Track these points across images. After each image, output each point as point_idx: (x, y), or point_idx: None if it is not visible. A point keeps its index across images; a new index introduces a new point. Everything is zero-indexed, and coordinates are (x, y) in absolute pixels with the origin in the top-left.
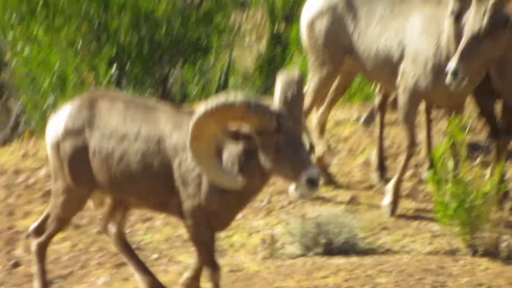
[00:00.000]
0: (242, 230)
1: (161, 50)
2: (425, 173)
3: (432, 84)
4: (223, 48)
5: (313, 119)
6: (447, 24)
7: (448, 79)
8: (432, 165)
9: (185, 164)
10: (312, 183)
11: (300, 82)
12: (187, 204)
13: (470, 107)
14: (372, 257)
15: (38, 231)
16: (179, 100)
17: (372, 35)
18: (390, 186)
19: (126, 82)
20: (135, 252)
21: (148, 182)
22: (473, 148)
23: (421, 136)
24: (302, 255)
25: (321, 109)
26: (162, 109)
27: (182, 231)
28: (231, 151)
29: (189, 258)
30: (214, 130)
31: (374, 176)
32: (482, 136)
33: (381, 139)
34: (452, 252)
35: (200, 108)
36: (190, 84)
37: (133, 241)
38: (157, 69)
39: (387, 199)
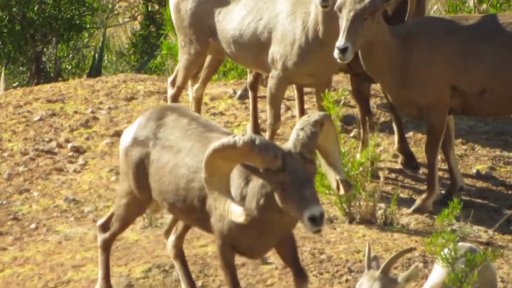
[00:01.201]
0: None
1: (33, 29)
2: None
3: (298, 64)
4: (97, 27)
5: (189, 95)
6: (313, 7)
7: (337, 55)
8: None
9: None
10: (314, 221)
11: (316, 123)
12: (215, 226)
13: (345, 82)
14: None
15: (104, 227)
16: (53, 76)
17: (236, 19)
18: None
19: None
20: (187, 266)
21: (189, 197)
22: (348, 121)
23: (295, 110)
24: None
25: (196, 85)
26: (218, 131)
27: (60, 201)
28: (254, 184)
29: (67, 227)
30: (225, 167)
31: None
32: (356, 109)
33: (255, 115)
34: (330, 220)
35: (209, 147)
36: (64, 61)
37: (10, 212)
38: (29, 47)
39: None
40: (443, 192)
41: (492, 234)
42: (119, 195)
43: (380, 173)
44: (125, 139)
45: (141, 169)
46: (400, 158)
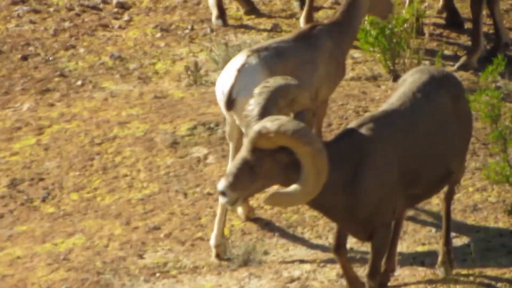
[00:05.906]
0: (166, 58)
1: None
2: None
3: None
4: None
5: None
6: None
7: None
8: None
9: None
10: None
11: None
12: None
13: None
14: None
15: None
16: None
17: None
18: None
19: None
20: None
21: None
22: None
23: None
24: None
25: None
26: None
27: (106, 58)
28: None
29: (113, 84)
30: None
31: (295, 5)
32: None
33: None
34: (374, 78)
35: None
36: None
37: (57, 68)
38: None
39: None
40: (488, 48)
41: None
42: None
43: (425, 30)
44: None
45: None
46: (445, 14)
